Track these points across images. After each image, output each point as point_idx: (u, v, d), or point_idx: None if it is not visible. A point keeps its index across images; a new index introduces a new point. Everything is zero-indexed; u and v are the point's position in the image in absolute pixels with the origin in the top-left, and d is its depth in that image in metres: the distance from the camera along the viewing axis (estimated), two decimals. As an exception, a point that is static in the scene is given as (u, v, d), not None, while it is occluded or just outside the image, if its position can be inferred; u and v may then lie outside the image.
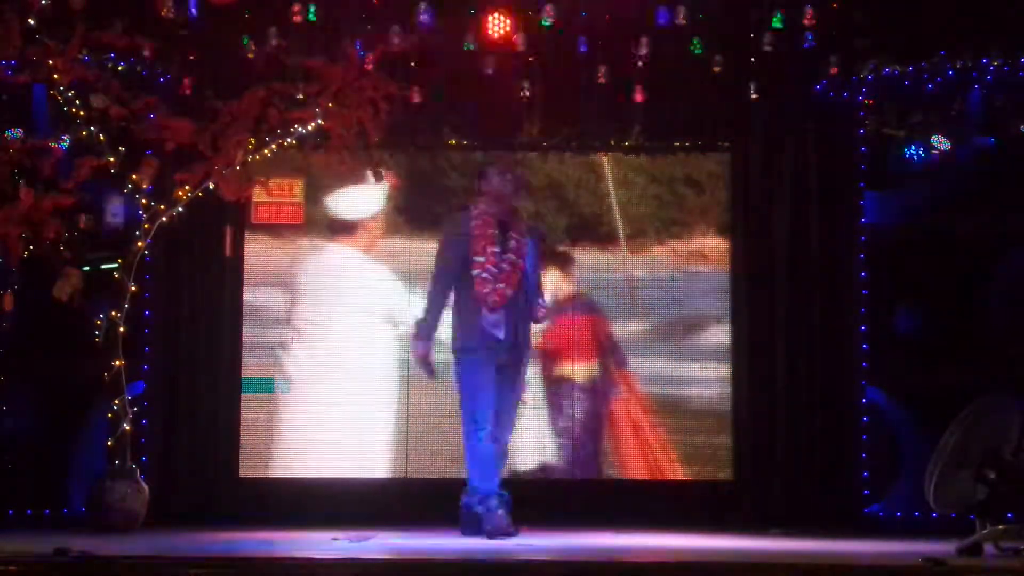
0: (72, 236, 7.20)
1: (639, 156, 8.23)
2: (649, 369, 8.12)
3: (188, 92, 7.54)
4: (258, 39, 7.48)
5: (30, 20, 6.92)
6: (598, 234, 8.24)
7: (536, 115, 7.99)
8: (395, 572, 5.24)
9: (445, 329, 6.66)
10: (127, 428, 7.11)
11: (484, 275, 6.54)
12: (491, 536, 6.27)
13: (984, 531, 5.77)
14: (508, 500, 6.45)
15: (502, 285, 6.54)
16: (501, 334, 6.51)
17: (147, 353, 7.82)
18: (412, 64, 7.67)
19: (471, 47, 7.73)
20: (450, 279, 6.64)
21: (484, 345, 6.52)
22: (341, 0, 7.62)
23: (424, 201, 8.21)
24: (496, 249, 6.58)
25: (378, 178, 7.57)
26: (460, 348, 6.62)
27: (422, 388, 8.05)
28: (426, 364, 6.63)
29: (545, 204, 8.23)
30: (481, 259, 6.56)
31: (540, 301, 6.72)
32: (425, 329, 6.62)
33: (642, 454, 8.07)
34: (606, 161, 8.25)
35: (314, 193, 8.18)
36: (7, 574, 4.90)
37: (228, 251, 7.57)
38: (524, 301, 6.62)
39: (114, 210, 7.32)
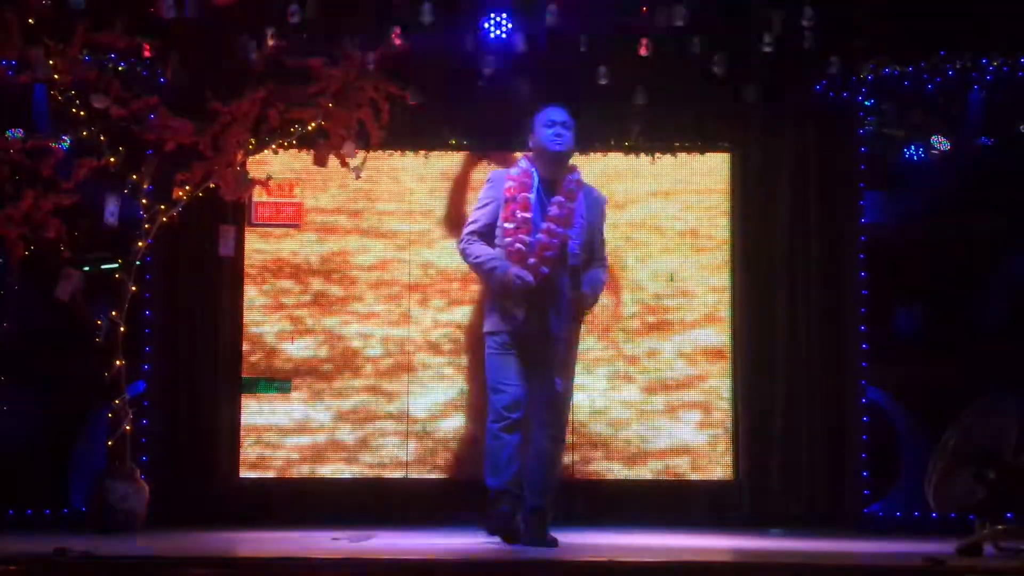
0: (72, 236, 7.20)
1: (639, 156, 8.22)
2: (648, 368, 8.11)
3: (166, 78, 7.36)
4: (258, 39, 7.47)
5: (30, 20, 6.92)
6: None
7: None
8: (395, 572, 5.23)
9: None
10: (127, 428, 7.13)
11: (518, 246, 5.78)
12: (490, 533, 6.00)
13: (984, 531, 5.77)
14: (520, 499, 5.87)
15: (534, 260, 5.76)
16: (520, 315, 5.81)
17: (147, 353, 7.81)
18: (412, 64, 7.66)
19: (471, 47, 7.74)
20: (476, 235, 5.91)
21: (507, 328, 5.87)
22: (341, 0, 7.61)
23: (429, 200, 8.20)
24: (528, 215, 5.80)
25: (357, 175, 7.52)
26: (486, 331, 5.97)
27: (423, 388, 8.06)
28: (523, 275, 5.73)
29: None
30: (511, 225, 5.80)
31: (590, 276, 5.87)
32: (489, 259, 5.82)
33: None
34: (608, 158, 8.23)
35: (315, 192, 8.17)
36: (7, 574, 4.90)
37: (227, 251, 7.54)
38: (564, 281, 5.80)
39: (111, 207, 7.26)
